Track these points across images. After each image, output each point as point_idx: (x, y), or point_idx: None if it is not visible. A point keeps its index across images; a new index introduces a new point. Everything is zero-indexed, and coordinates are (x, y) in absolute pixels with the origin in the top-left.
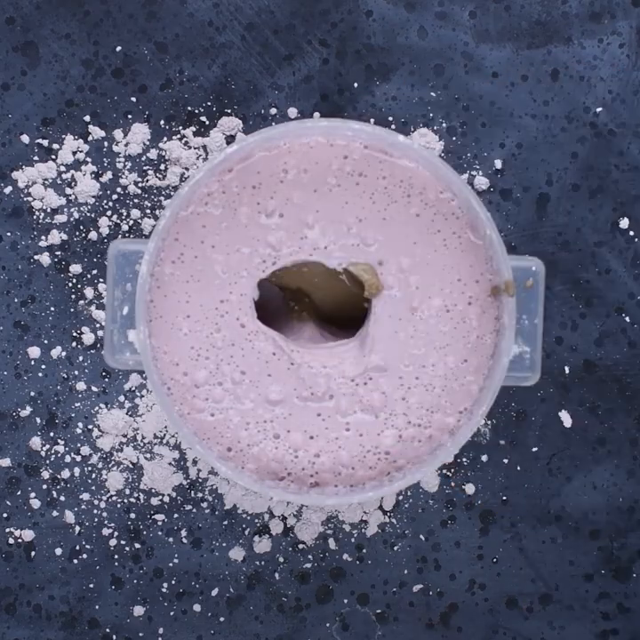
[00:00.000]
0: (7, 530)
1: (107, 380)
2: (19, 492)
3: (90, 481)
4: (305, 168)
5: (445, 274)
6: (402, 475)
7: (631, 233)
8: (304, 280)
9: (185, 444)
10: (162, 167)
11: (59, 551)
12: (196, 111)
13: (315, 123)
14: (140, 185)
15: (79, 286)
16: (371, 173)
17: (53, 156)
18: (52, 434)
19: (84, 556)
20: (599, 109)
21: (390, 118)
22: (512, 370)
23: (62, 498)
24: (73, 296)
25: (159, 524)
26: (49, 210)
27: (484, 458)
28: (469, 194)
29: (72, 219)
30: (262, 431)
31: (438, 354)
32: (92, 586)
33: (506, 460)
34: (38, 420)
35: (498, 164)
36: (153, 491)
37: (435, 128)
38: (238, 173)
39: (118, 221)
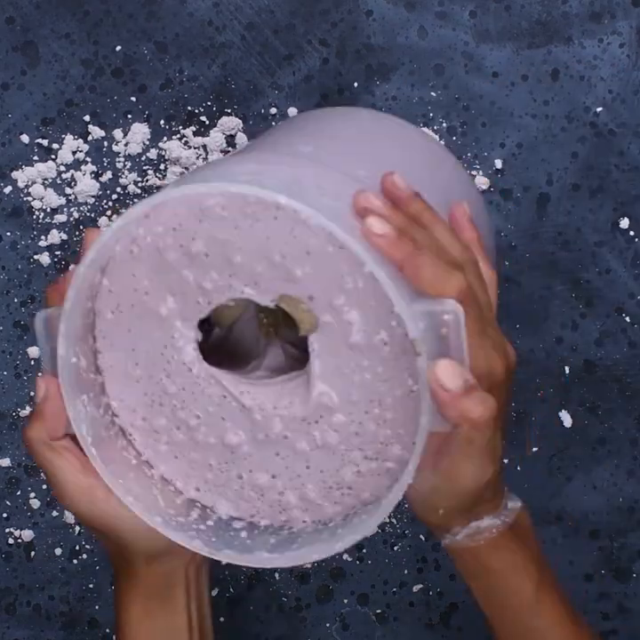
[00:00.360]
0: (7, 530)
1: None
2: (19, 492)
3: None
4: (222, 205)
5: (378, 307)
6: (365, 516)
7: (631, 233)
8: None
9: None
10: (162, 167)
11: (59, 551)
12: (196, 111)
13: (210, 187)
14: (139, 185)
15: None
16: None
17: (53, 156)
18: None
19: (84, 556)
20: (599, 109)
21: None
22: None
23: None
24: None
25: None
26: (49, 210)
27: None
28: (345, 238)
29: (72, 218)
30: (225, 472)
31: (384, 386)
32: (91, 586)
33: (506, 460)
34: None
35: (498, 163)
36: None
37: (435, 128)
38: (156, 217)
39: None
